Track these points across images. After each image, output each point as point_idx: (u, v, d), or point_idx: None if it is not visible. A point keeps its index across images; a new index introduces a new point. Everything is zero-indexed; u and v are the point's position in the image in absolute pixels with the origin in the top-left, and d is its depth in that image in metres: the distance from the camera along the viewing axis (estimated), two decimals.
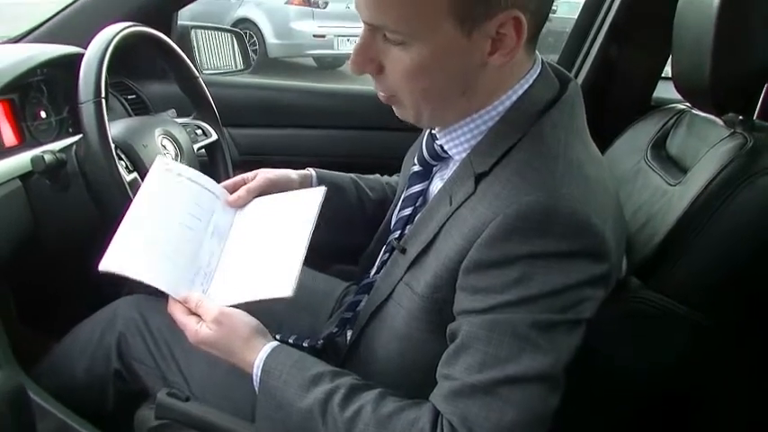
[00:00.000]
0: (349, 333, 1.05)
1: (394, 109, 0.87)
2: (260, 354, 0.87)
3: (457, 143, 0.87)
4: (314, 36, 7.60)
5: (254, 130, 1.80)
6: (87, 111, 1.10)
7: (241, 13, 7.65)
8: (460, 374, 0.75)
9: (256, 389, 0.87)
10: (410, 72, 0.78)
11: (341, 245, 1.16)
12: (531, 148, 0.80)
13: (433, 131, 0.92)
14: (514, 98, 0.83)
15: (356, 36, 0.79)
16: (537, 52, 0.86)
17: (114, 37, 1.18)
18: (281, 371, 0.85)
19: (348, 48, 7.73)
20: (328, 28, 7.62)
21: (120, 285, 1.39)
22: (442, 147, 0.90)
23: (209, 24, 1.99)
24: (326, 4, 7.70)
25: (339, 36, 7.64)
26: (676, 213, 0.98)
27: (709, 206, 0.94)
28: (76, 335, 1.20)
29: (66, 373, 1.17)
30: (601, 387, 0.95)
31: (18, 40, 1.57)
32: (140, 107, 1.65)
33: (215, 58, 1.96)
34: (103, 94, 1.12)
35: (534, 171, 0.77)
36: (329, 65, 8.14)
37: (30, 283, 1.33)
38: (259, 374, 0.87)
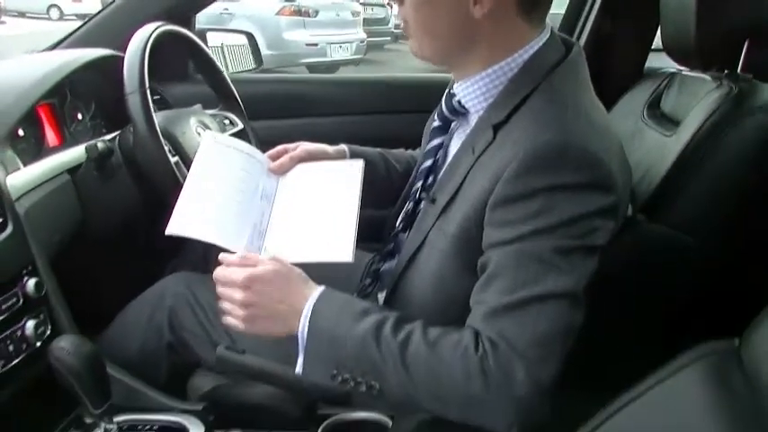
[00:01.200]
0: (380, 296, 1.13)
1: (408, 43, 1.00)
2: (314, 292, 0.93)
3: (472, 97, 0.98)
4: (306, 45, 7.63)
5: (272, 122, 1.89)
6: (134, 100, 1.20)
7: (233, 26, 7.62)
8: (494, 298, 0.85)
9: (306, 323, 0.91)
10: (414, 3, 0.94)
11: (367, 216, 1.25)
12: (544, 98, 0.91)
13: (451, 91, 1.02)
14: (526, 57, 0.94)
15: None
16: (548, 21, 0.97)
17: (152, 34, 1.28)
18: (334, 304, 0.92)
19: (340, 54, 7.79)
20: (320, 36, 7.67)
21: (163, 264, 1.48)
22: (459, 102, 1.00)
23: (221, 27, 2.08)
24: (317, 12, 7.76)
25: (331, 43, 7.70)
26: (672, 157, 1.08)
27: (702, 147, 1.05)
28: (126, 315, 1.28)
29: (119, 352, 1.22)
30: (615, 306, 1.05)
31: (53, 48, 1.66)
32: (164, 107, 1.72)
33: (228, 59, 2.06)
34: (147, 85, 1.22)
35: (547, 116, 0.88)
36: (322, 72, 8.22)
37: (75, 272, 1.41)
38: (313, 305, 0.91)
